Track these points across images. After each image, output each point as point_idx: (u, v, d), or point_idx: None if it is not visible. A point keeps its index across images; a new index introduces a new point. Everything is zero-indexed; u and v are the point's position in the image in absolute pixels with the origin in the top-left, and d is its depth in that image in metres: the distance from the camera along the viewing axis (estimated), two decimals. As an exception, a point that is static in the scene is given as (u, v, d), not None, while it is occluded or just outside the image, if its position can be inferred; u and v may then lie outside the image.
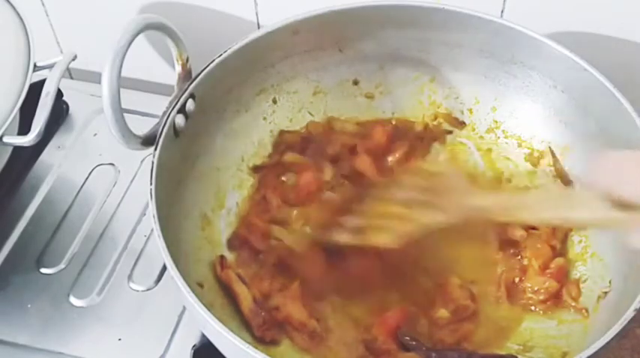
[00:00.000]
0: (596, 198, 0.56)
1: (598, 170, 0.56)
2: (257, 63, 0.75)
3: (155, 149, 0.65)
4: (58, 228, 0.80)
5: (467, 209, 0.66)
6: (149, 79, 0.97)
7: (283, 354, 0.67)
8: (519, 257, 0.72)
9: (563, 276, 0.70)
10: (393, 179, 0.73)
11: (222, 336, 0.56)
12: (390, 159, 0.78)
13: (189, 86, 0.69)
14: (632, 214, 0.53)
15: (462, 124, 0.80)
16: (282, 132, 0.79)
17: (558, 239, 0.72)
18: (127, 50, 0.62)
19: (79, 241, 0.79)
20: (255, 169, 0.78)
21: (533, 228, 0.73)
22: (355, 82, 0.81)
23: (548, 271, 0.70)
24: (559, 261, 0.71)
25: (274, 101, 0.79)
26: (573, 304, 0.69)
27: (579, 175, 0.74)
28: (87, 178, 0.85)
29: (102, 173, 0.85)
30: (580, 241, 0.73)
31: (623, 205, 0.54)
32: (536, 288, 0.70)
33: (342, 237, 0.69)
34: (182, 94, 0.68)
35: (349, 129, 0.80)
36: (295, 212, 0.76)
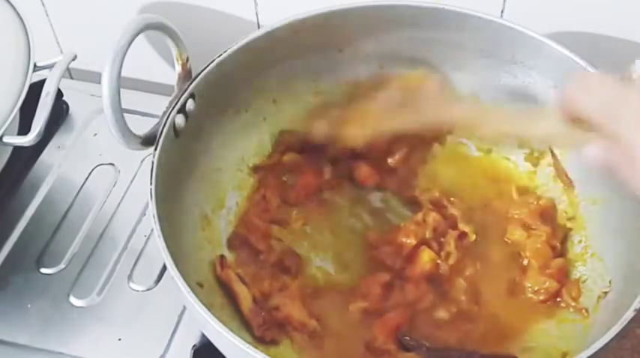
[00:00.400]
0: (557, 114, 0.57)
1: (565, 87, 0.56)
2: (257, 63, 0.75)
3: (155, 149, 0.64)
4: (58, 228, 0.80)
5: (437, 116, 0.70)
6: (149, 79, 0.97)
7: (283, 354, 0.67)
8: (519, 257, 0.72)
9: (563, 276, 0.70)
10: (380, 81, 0.76)
11: (222, 336, 0.56)
12: (390, 160, 0.78)
13: (189, 86, 0.69)
14: (587, 131, 0.53)
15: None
16: (282, 132, 0.79)
17: (558, 239, 0.72)
18: (127, 50, 0.62)
19: (79, 241, 0.79)
20: (255, 169, 0.78)
21: (533, 229, 0.73)
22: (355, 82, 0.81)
23: (548, 271, 0.70)
24: (559, 261, 0.71)
25: (274, 101, 0.79)
26: (573, 304, 0.69)
27: (579, 175, 0.74)
28: (87, 178, 0.85)
29: (102, 173, 0.85)
30: (580, 241, 0.73)
31: (580, 122, 0.54)
32: (536, 288, 0.70)
33: (320, 127, 0.74)
34: (182, 94, 0.68)
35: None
36: (295, 212, 0.76)
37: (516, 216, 0.74)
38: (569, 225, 0.74)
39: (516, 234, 0.73)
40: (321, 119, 0.75)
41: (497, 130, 0.67)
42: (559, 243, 0.72)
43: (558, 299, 0.70)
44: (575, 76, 0.55)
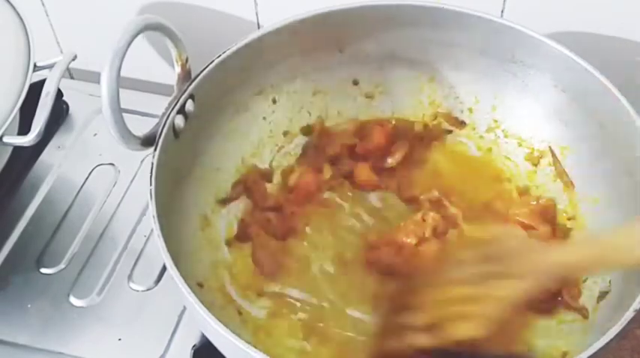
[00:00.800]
0: None
1: None
2: (257, 63, 0.75)
3: (155, 149, 0.64)
4: (58, 228, 0.80)
5: (545, 268, 0.59)
6: (149, 79, 0.97)
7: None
8: None
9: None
10: (443, 259, 0.67)
11: (222, 336, 0.56)
12: (389, 160, 0.78)
13: (188, 86, 0.69)
14: None
15: (462, 124, 0.80)
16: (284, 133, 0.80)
17: (558, 239, 0.72)
18: (126, 50, 0.62)
19: (79, 241, 0.79)
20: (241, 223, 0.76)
21: (533, 229, 0.73)
22: (355, 82, 0.81)
23: None
24: None
25: (274, 101, 0.79)
26: (573, 304, 0.69)
27: (579, 175, 0.74)
28: (87, 178, 0.85)
29: (102, 173, 0.85)
30: (580, 241, 0.73)
31: None
32: None
33: (420, 340, 0.60)
34: (182, 95, 0.68)
35: (349, 128, 0.81)
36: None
37: (517, 217, 0.74)
38: (569, 225, 0.74)
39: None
40: (411, 332, 0.61)
41: (633, 260, 0.57)
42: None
43: (559, 298, 0.70)
44: None
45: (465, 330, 0.59)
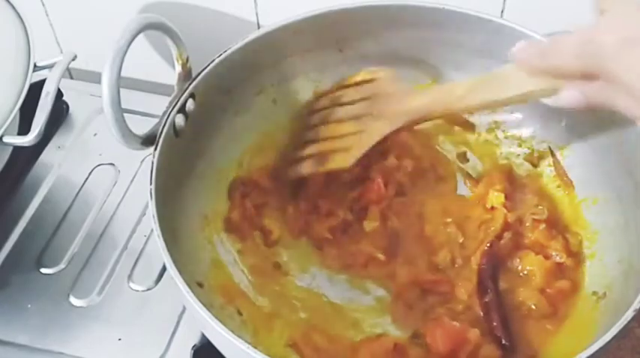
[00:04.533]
0: (520, 71, 0.60)
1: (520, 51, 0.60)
2: (257, 63, 0.75)
3: (155, 149, 0.65)
4: (58, 228, 0.80)
5: (406, 111, 0.70)
6: (149, 79, 0.97)
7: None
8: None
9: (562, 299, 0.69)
10: (333, 97, 0.76)
11: (222, 336, 0.56)
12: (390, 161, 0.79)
13: (189, 86, 0.69)
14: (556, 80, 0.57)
15: (471, 126, 0.80)
16: (234, 182, 0.77)
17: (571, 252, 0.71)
18: (127, 50, 0.62)
19: (79, 241, 0.79)
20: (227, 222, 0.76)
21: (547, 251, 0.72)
22: None
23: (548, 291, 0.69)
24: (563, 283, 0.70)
25: (274, 101, 0.79)
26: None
27: (579, 175, 0.74)
28: (87, 178, 0.85)
29: (102, 173, 0.85)
30: (580, 241, 0.72)
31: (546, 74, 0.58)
32: (532, 306, 0.69)
33: (305, 168, 0.73)
34: (182, 94, 0.68)
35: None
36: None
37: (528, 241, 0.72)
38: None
39: (533, 263, 0.70)
40: (296, 162, 0.74)
41: (471, 105, 0.68)
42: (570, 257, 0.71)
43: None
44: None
45: (339, 160, 0.71)
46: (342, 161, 0.71)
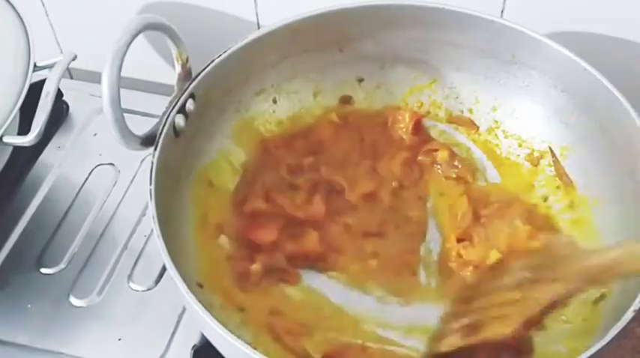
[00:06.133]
0: None
1: None
2: (257, 63, 0.75)
3: (155, 149, 0.64)
4: (58, 228, 0.80)
5: (586, 271, 0.61)
6: (149, 79, 0.97)
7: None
8: None
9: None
10: (500, 268, 0.67)
11: (222, 337, 0.56)
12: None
13: (189, 86, 0.69)
14: None
15: (475, 126, 0.80)
16: None
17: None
18: (126, 50, 0.62)
19: (79, 241, 0.79)
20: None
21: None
22: (360, 80, 0.81)
23: None
24: None
25: (274, 101, 0.79)
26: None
27: (579, 175, 0.74)
28: (87, 178, 0.85)
29: (102, 173, 0.85)
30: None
31: None
32: None
33: (452, 342, 0.63)
34: (182, 94, 0.68)
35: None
36: None
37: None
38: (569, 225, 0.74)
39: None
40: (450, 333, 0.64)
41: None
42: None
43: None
44: None
45: (496, 330, 0.61)
46: (503, 329, 0.61)
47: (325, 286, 0.71)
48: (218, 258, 0.71)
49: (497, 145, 0.79)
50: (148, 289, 0.76)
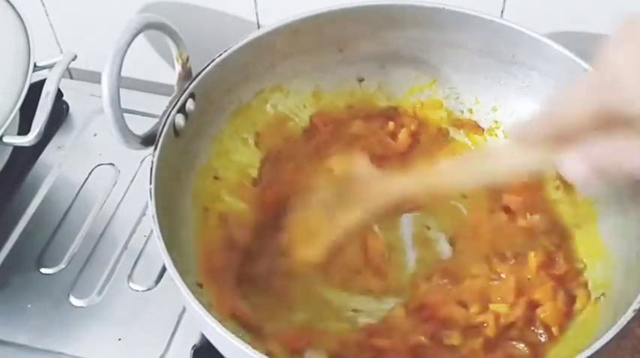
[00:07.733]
0: (511, 145, 0.56)
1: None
2: (257, 63, 0.75)
3: (155, 149, 0.65)
4: (58, 228, 0.80)
5: (384, 197, 0.63)
6: (149, 79, 0.97)
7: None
8: None
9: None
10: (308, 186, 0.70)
11: (221, 337, 0.56)
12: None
13: (189, 86, 0.69)
14: (550, 150, 0.53)
15: (480, 129, 0.80)
16: None
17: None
18: (127, 49, 0.62)
19: (79, 241, 0.79)
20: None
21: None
22: (360, 80, 0.81)
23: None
24: None
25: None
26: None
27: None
28: (87, 178, 0.85)
29: (102, 173, 0.85)
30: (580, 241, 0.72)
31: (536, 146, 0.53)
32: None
33: (263, 264, 0.69)
34: (182, 94, 0.68)
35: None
36: None
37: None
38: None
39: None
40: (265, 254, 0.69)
41: (460, 184, 0.63)
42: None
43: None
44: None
45: (304, 253, 0.66)
46: (309, 254, 0.66)
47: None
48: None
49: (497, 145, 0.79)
50: (148, 289, 0.76)
